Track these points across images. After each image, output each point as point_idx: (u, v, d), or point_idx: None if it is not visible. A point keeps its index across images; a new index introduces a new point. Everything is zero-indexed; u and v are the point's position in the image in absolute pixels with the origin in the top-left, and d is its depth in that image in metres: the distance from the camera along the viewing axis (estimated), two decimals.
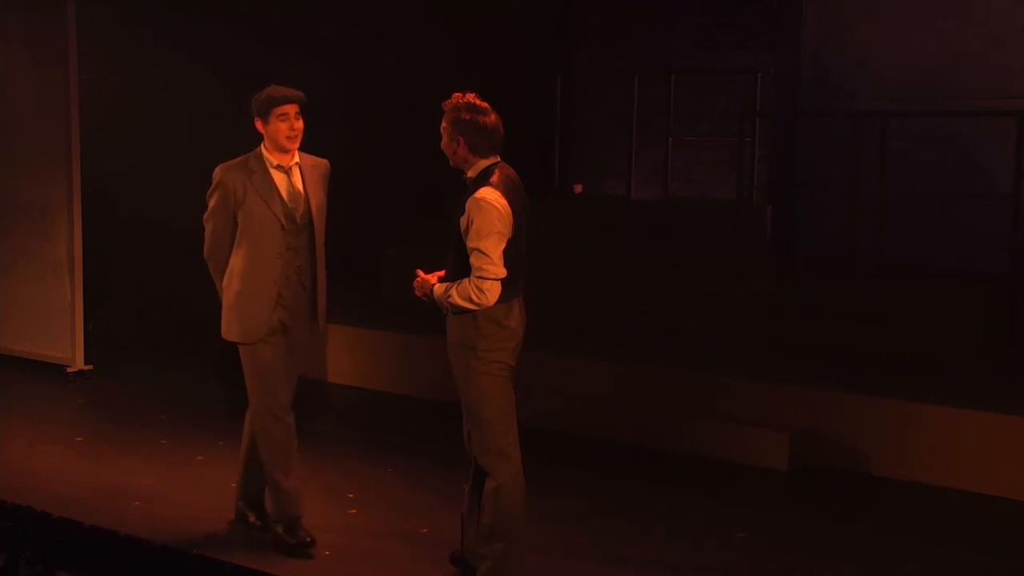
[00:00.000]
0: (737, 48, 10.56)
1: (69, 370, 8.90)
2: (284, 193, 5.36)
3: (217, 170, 5.41)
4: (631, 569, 5.44)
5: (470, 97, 4.83)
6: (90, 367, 8.95)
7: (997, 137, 8.90)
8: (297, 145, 5.38)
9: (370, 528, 5.58)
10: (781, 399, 7.21)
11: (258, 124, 5.37)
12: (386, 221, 10.26)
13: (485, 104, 4.83)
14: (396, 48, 10.31)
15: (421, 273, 4.92)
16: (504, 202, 4.69)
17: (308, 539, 5.41)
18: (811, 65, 10.43)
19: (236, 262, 5.39)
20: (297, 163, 5.42)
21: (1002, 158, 8.67)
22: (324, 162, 5.54)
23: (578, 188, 11.27)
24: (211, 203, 5.41)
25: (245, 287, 5.36)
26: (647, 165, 10.78)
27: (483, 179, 4.75)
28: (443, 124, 4.84)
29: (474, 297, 4.67)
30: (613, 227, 10.13)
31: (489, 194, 4.68)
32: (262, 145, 5.40)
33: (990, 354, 7.96)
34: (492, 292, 4.67)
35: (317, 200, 5.42)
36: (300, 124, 5.34)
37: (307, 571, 5.29)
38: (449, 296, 4.72)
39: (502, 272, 4.68)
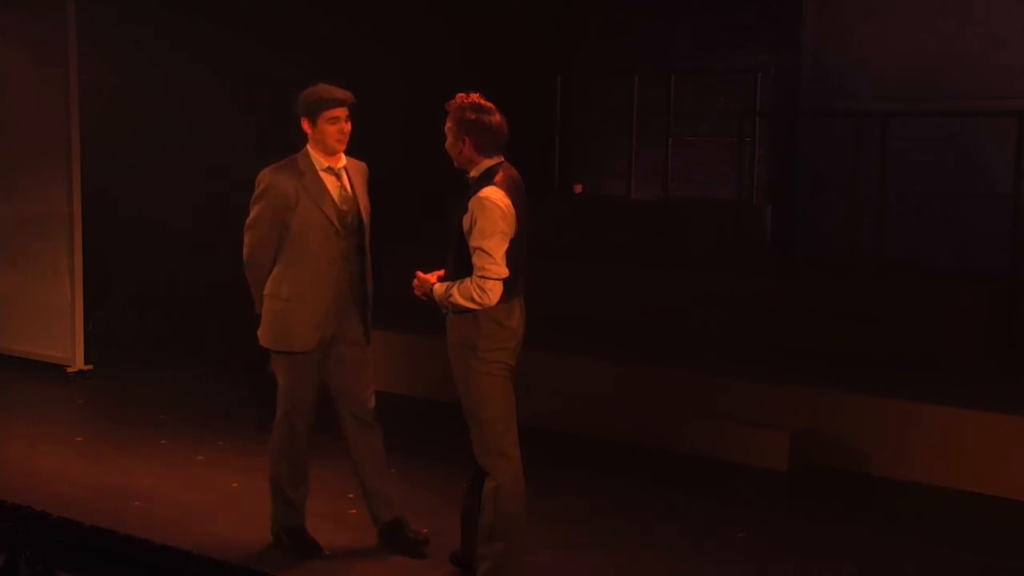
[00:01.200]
0: (737, 48, 10.55)
1: (69, 370, 8.90)
2: (336, 196, 5.22)
3: (263, 174, 5.24)
4: (631, 569, 5.44)
5: (475, 97, 4.82)
6: (90, 367, 8.95)
7: (997, 137, 8.90)
8: (343, 148, 5.24)
9: (370, 528, 5.58)
10: (781, 399, 7.21)
11: (305, 124, 5.20)
12: (386, 221, 10.26)
13: (490, 104, 4.82)
14: (396, 48, 10.31)
15: (420, 273, 4.92)
16: (508, 202, 4.69)
17: (316, 547, 5.39)
18: (811, 65, 10.43)
19: (287, 269, 5.23)
20: (345, 165, 5.29)
21: (1002, 158, 8.67)
22: (363, 164, 5.42)
23: (578, 188, 11.27)
24: (255, 209, 5.24)
25: (299, 294, 5.21)
26: (647, 165, 10.78)
27: (486, 179, 4.75)
28: (448, 124, 4.83)
29: (476, 297, 4.66)
30: (613, 227, 10.13)
31: (493, 194, 4.68)
32: (308, 145, 5.25)
33: (990, 354, 7.96)
34: (494, 292, 4.67)
35: (365, 203, 5.32)
36: (349, 127, 5.20)
37: (307, 571, 5.29)
38: (450, 296, 4.72)
39: (504, 272, 4.67)
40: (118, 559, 3.06)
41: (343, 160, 5.29)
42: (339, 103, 5.17)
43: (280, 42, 10.24)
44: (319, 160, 5.23)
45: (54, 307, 9.01)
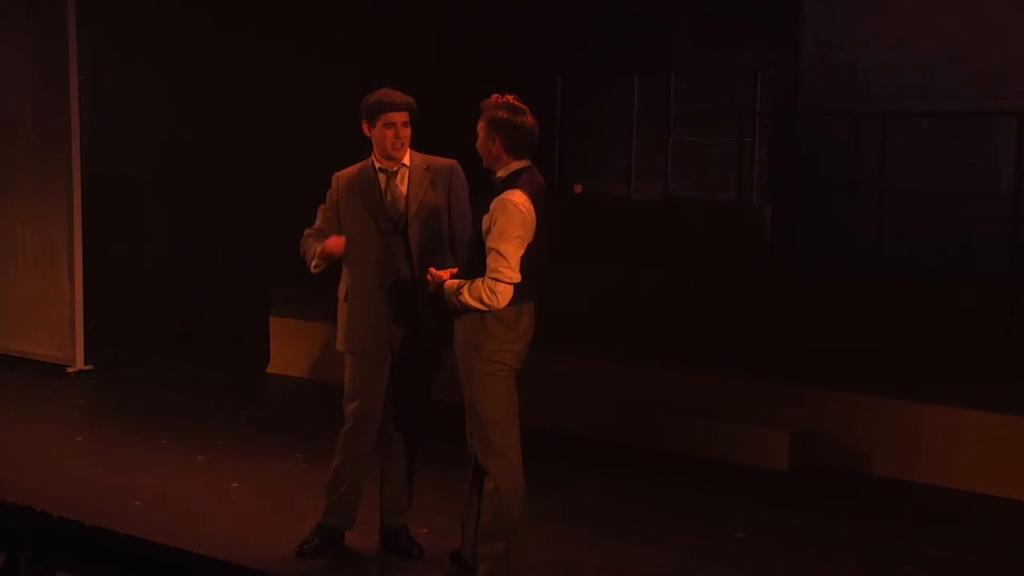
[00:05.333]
0: (737, 48, 10.56)
1: (69, 370, 8.90)
2: (383, 194, 5.22)
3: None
4: (631, 569, 5.44)
5: (509, 98, 4.83)
6: (90, 367, 8.95)
7: (997, 137, 8.90)
8: (402, 154, 5.21)
9: (371, 528, 5.58)
10: (781, 399, 7.21)
11: (365, 127, 5.23)
12: None
13: (524, 106, 4.83)
14: (396, 48, 10.31)
15: (433, 269, 4.91)
16: (531, 207, 4.69)
17: (305, 548, 5.40)
18: (811, 65, 10.43)
19: (345, 270, 5.31)
20: (405, 165, 5.25)
21: (1002, 158, 8.66)
22: (445, 163, 5.31)
23: (578, 188, 11.27)
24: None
25: (351, 294, 5.28)
26: (647, 165, 10.78)
27: (512, 182, 4.74)
28: (480, 123, 4.82)
29: (485, 298, 4.66)
30: (613, 227, 10.12)
31: (517, 197, 4.68)
32: (373, 152, 5.28)
33: (990, 354, 7.95)
34: (504, 295, 4.67)
35: (421, 202, 5.21)
36: (407, 132, 5.17)
37: (307, 571, 5.29)
38: (460, 294, 4.71)
39: (517, 277, 4.67)
40: (118, 559, 3.06)
41: (405, 161, 5.24)
42: (396, 107, 5.16)
43: (281, 42, 10.25)
44: (375, 163, 5.26)
45: (54, 307, 9.00)
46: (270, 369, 9.36)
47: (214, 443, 7.25)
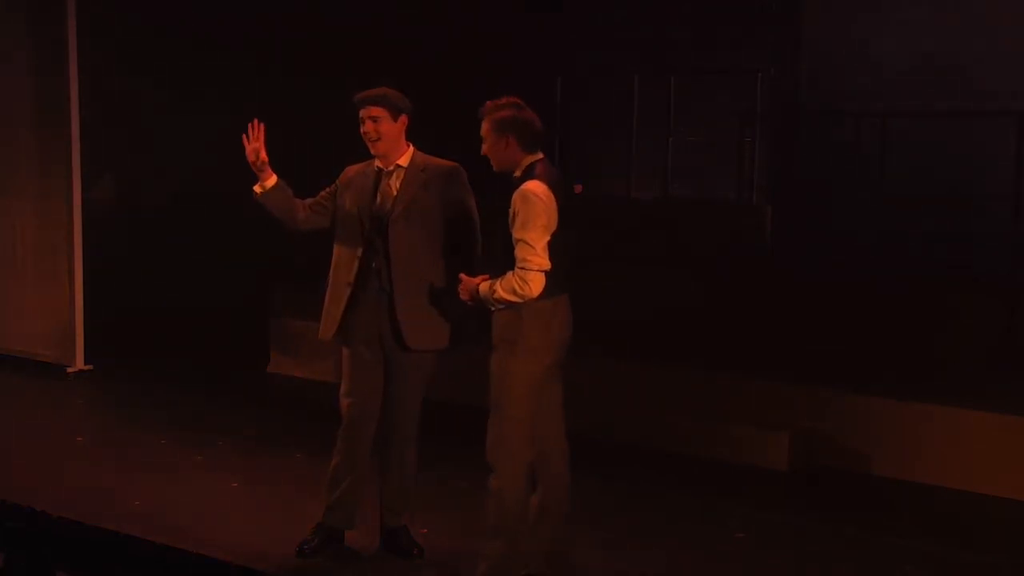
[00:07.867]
0: (737, 48, 10.56)
1: (69, 370, 8.90)
2: (372, 192, 5.23)
3: None
4: (631, 570, 5.44)
5: (507, 98, 4.83)
6: (90, 367, 8.95)
7: (997, 137, 8.90)
8: (379, 148, 5.21)
9: (371, 528, 5.58)
10: (781, 399, 7.21)
11: None
12: None
13: (521, 101, 4.83)
14: (396, 48, 10.31)
15: (464, 276, 4.89)
16: (549, 193, 4.68)
17: (305, 548, 5.39)
18: (811, 65, 10.43)
19: (333, 262, 5.34)
20: (402, 166, 5.25)
21: (1002, 158, 8.66)
22: (446, 165, 5.28)
23: (578, 188, 11.26)
24: None
25: (330, 284, 5.32)
26: (647, 165, 10.77)
27: (528, 174, 4.75)
28: (484, 128, 4.80)
29: (518, 288, 4.64)
30: (613, 227, 10.11)
31: (535, 187, 4.68)
32: None
33: (991, 355, 7.95)
34: (536, 283, 4.64)
35: (408, 203, 5.19)
36: (374, 126, 5.15)
37: (307, 571, 5.29)
38: (494, 292, 4.69)
39: (546, 264, 4.65)
40: (118, 559, 3.06)
41: (401, 160, 5.25)
42: (361, 103, 5.21)
43: (281, 43, 10.25)
44: (376, 160, 5.28)
45: (54, 307, 9.00)
46: (270, 369, 9.36)
47: (214, 443, 7.25)
